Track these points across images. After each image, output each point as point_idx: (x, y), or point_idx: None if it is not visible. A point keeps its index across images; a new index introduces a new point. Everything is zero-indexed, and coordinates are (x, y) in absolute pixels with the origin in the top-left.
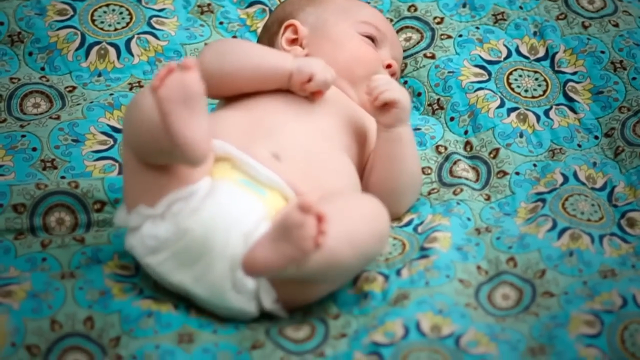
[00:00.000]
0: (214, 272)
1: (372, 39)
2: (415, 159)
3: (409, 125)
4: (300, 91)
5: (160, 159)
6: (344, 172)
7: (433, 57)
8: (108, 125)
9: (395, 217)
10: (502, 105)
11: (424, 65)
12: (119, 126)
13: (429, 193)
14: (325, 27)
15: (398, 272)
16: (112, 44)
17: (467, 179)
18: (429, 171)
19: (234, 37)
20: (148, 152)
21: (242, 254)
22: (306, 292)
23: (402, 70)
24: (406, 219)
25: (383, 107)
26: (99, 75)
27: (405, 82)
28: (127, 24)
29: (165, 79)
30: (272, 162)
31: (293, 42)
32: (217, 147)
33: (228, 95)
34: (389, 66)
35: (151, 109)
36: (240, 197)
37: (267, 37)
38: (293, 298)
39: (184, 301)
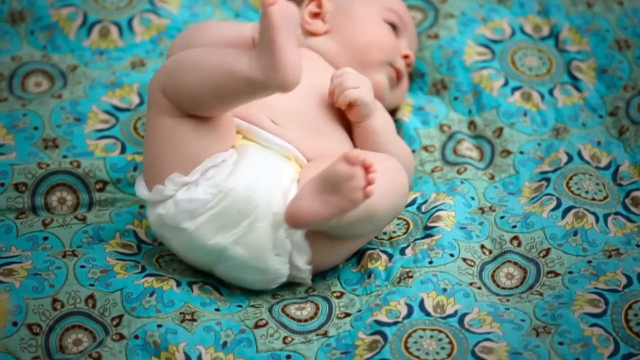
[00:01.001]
0: (257, 231)
1: (394, 27)
2: (395, 143)
3: (380, 113)
4: None
5: (222, 101)
6: (343, 141)
7: (436, 36)
8: (110, 104)
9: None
10: (506, 84)
11: (427, 46)
12: (121, 105)
13: (432, 171)
14: (351, 6)
15: (402, 251)
16: (114, 23)
17: (471, 157)
18: (433, 149)
19: (237, 15)
20: (208, 95)
21: (283, 212)
22: (334, 252)
23: None
24: (410, 198)
25: (348, 106)
26: (101, 54)
27: None
28: (129, 2)
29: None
30: (277, 130)
31: (315, 15)
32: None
33: None
34: (406, 57)
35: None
36: (271, 159)
37: None
38: (322, 259)
39: (186, 279)
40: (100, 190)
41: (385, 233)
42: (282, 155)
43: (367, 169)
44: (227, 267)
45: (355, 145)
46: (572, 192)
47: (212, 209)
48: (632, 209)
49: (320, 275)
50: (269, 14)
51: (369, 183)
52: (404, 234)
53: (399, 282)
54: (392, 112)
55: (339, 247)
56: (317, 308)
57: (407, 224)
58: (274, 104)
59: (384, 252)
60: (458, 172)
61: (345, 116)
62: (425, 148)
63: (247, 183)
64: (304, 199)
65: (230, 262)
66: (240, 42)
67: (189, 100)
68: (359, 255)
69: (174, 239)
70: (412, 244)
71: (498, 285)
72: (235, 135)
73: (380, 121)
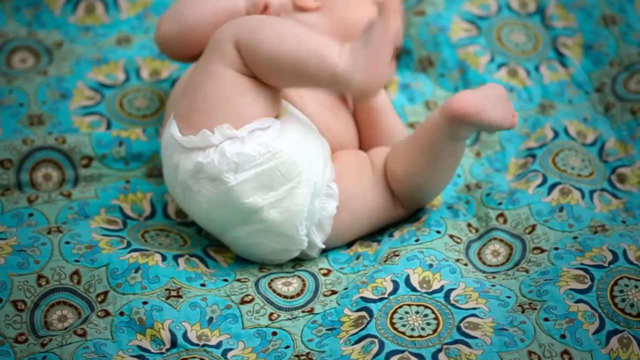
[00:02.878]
0: (297, 197)
1: None
2: (399, 124)
3: (382, 93)
4: None
5: (297, 80)
6: (349, 123)
7: (423, 13)
8: (95, 80)
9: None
10: (492, 60)
11: (413, 23)
12: (106, 81)
13: None
14: None
15: (390, 234)
16: None
17: None
18: (419, 126)
19: None
20: (287, 69)
21: (321, 184)
22: (346, 234)
23: None
24: None
25: None
26: (87, 30)
27: None
28: None
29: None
30: (301, 104)
31: None
32: None
33: (198, 51)
34: None
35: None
36: (311, 130)
37: None
38: (333, 240)
39: (172, 252)
40: (86, 166)
41: None
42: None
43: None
44: (249, 231)
45: (358, 129)
46: (558, 168)
47: (258, 167)
48: (618, 185)
49: None
50: (389, 25)
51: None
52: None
53: (385, 261)
54: None
55: (354, 229)
56: (304, 284)
57: None
58: None
59: (374, 240)
60: None
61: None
62: (412, 125)
63: (295, 148)
64: (473, 95)
65: (256, 226)
66: (232, 14)
67: (264, 64)
68: (350, 242)
69: (206, 191)
70: (400, 227)
71: (484, 263)
72: (281, 106)
73: (382, 98)
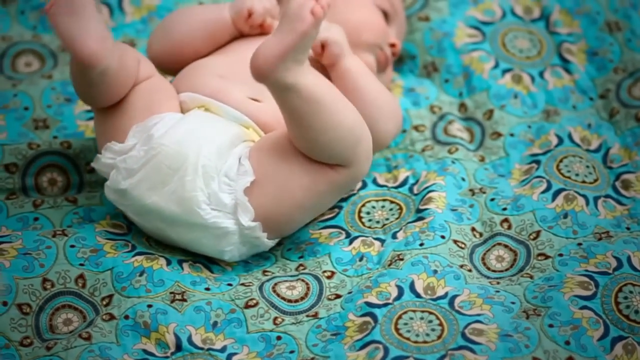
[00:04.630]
0: (186, 185)
1: (385, 14)
2: (375, 88)
3: (355, 58)
4: (251, 30)
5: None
6: None
7: (427, 19)
8: None
9: (382, 147)
10: (496, 66)
11: (418, 28)
12: None
13: (423, 150)
14: None
15: (394, 235)
16: (105, 3)
17: (461, 138)
18: (423, 129)
19: None
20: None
21: (215, 166)
22: (282, 206)
23: None
24: (401, 178)
25: (321, 49)
26: None
27: None
28: None
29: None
30: (247, 103)
31: None
32: (187, 98)
33: (190, 62)
34: (393, 45)
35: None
36: (214, 120)
37: None
38: (270, 216)
39: (177, 257)
40: (91, 171)
41: (378, 221)
42: (239, 125)
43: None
44: (179, 232)
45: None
46: (562, 174)
47: (145, 166)
48: (622, 191)
49: (311, 251)
50: (49, 18)
51: (320, 4)
52: (397, 219)
53: (390, 265)
54: None
55: (286, 199)
56: (308, 288)
57: (400, 208)
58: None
59: (377, 239)
60: (449, 151)
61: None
62: (416, 127)
63: (177, 138)
64: (263, 45)
65: (176, 226)
66: (219, 24)
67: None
68: (351, 238)
69: (125, 207)
70: (403, 227)
71: (488, 268)
72: (173, 103)
73: (356, 63)
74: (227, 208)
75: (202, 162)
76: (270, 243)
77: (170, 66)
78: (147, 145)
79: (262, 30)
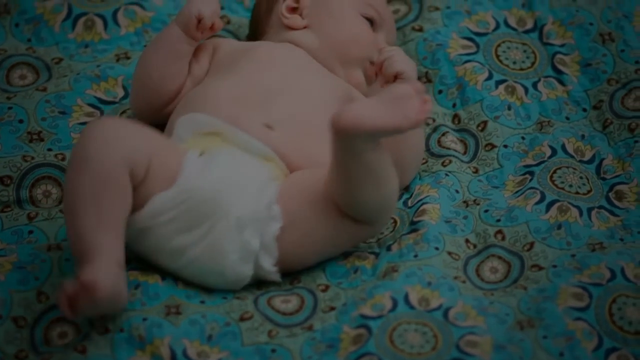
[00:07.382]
0: (218, 231)
1: (371, 21)
2: (420, 132)
3: None
4: (205, 35)
5: None
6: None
7: (421, 29)
8: (95, 97)
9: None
10: (490, 77)
11: (412, 39)
12: (105, 98)
13: None
14: (328, 1)
15: (388, 248)
16: (99, 15)
17: (455, 150)
18: None
19: (221, 8)
20: None
21: (251, 213)
22: (304, 253)
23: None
24: None
25: (390, 80)
26: (86, 46)
27: None
28: None
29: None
30: (264, 132)
31: (293, 10)
32: (204, 122)
33: (177, 95)
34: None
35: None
36: (245, 159)
37: (267, 2)
38: (290, 261)
39: (171, 273)
40: None
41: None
42: (261, 157)
43: (422, 95)
44: (191, 269)
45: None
46: (556, 185)
47: (175, 209)
48: (616, 202)
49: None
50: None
51: (425, 107)
52: (391, 232)
53: (384, 276)
54: None
55: (309, 250)
56: (302, 301)
57: (395, 221)
58: (269, 107)
59: (372, 252)
60: (443, 164)
61: None
62: None
63: (214, 183)
64: (356, 105)
65: (192, 265)
66: (175, 42)
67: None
68: (345, 253)
69: (141, 244)
70: (398, 239)
71: (482, 280)
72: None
73: None
74: (252, 254)
75: (237, 214)
76: (279, 279)
77: (161, 110)
78: (180, 188)
79: (212, 32)
